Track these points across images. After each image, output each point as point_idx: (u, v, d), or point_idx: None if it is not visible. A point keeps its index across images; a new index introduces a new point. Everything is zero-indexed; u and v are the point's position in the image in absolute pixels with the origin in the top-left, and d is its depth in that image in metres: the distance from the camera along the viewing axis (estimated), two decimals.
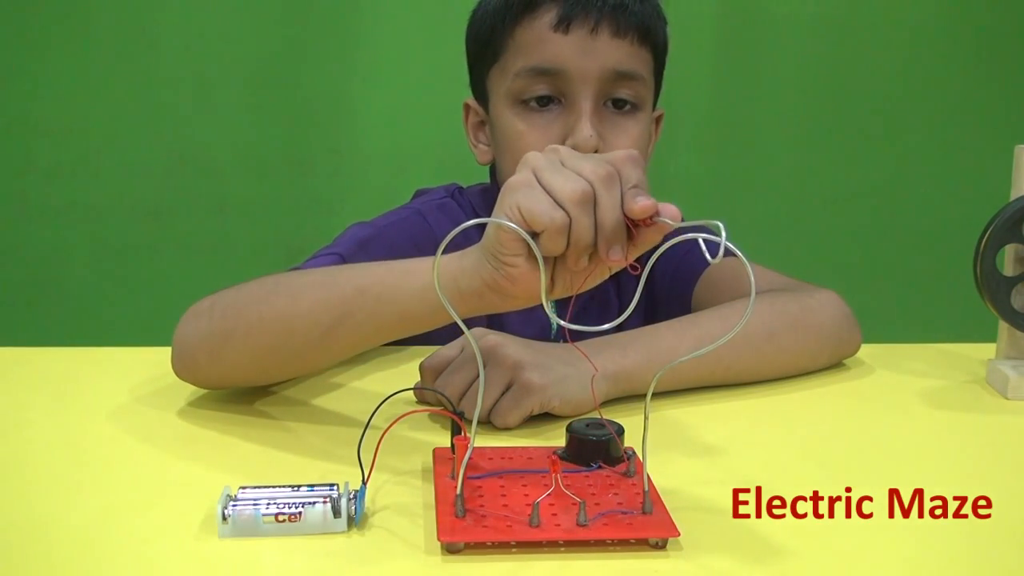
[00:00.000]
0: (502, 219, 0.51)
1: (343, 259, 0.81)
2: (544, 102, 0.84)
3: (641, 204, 0.49)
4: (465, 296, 0.56)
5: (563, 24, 0.82)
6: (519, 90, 0.85)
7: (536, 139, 0.84)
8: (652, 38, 0.86)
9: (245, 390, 0.71)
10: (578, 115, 0.83)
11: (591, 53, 0.82)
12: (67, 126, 1.49)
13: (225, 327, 0.65)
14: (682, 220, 0.50)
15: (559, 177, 0.51)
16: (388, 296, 0.60)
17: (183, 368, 0.67)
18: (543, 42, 0.83)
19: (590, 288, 0.55)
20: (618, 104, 0.85)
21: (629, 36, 0.84)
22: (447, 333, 0.61)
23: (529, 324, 0.80)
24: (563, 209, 0.50)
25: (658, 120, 0.95)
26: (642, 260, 0.50)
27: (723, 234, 0.44)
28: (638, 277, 0.48)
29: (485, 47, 0.88)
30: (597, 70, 0.83)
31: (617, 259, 0.51)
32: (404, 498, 0.53)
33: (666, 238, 0.49)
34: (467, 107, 0.94)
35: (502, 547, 0.47)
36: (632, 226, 0.51)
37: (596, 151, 0.81)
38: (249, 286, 0.67)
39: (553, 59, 0.83)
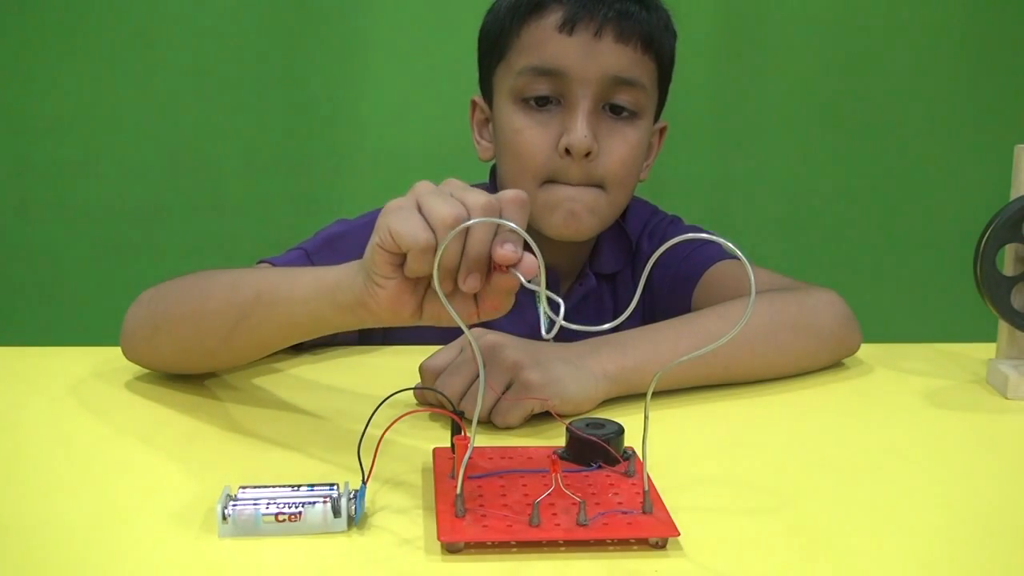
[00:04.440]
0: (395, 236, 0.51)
1: (308, 255, 0.84)
2: (543, 102, 0.85)
3: (505, 251, 0.50)
4: (340, 308, 0.57)
5: (567, 26, 0.83)
6: (520, 88, 0.85)
7: (533, 136, 0.85)
8: (656, 48, 0.87)
9: (245, 389, 0.71)
10: (575, 116, 0.83)
11: (593, 56, 0.83)
12: (67, 126, 1.49)
13: (156, 319, 0.70)
14: (536, 278, 0.50)
15: (439, 202, 0.52)
16: (278, 303, 0.62)
17: (126, 350, 0.74)
18: (547, 42, 0.84)
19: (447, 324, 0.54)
20: (616, 110, 0.86)
21: (632, 43, 0.84)
22: (448, 333, 0.61)
23: (519, 325, 0.79)
24: (432, 231, 0.51)
25: (661, 132, 0.95)
26: (641, 262, 0.50)
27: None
28: (636, 278, 0.48)
29: (493, 45, 0.89)
30: (597, 73, 0.83)
31: (472, 287, 0.51)
32: (404, 498, 0.53)
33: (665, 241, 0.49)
34: (474, 104, 0.95)
35: (502, 547, 0.47)
36: (492, 267, 0.51)
37: (589, 153, 0.82)
38: (181, 281, 0.71)
39: (555, 59, 0.83)
